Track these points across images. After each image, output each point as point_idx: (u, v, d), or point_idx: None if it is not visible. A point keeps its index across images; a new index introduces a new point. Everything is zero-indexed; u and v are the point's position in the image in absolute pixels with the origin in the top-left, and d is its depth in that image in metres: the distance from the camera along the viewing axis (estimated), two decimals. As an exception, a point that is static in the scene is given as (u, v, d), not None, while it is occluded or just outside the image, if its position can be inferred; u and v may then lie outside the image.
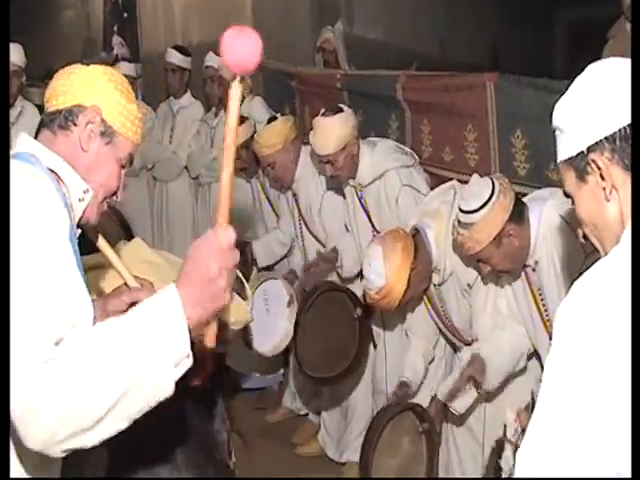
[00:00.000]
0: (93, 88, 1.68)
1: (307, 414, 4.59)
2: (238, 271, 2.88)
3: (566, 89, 1.37)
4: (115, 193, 1.74)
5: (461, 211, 2.64)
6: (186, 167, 5.36)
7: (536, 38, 10.25)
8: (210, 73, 5.12)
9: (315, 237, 4.11)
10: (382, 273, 2.89)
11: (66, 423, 1.25)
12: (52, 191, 1.52)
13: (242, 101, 4.93)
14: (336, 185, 3.83)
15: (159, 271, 2.58)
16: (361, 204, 3.67)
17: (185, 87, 5.49)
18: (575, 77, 1.36)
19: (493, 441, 3.02)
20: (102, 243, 1.93)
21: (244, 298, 2.77)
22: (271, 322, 3.67)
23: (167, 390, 1.33)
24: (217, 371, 1.89)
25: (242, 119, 4.42)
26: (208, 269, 1.32)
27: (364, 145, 3.58)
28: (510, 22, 9.50)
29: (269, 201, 4.53)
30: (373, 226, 3.66)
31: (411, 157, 3.63)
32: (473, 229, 2.60)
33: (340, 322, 3.53)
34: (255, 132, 4.23)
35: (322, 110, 3.53)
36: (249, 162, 4.34)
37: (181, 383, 1.41)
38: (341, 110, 3.49)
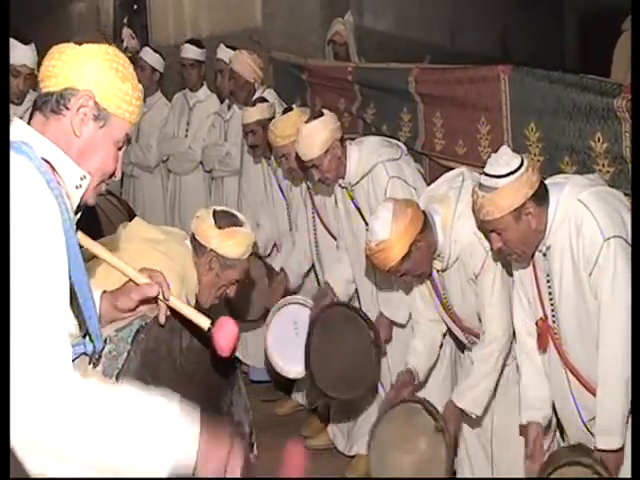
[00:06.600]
0: (85, 69, 1.61)
1: (316, 407, 4.59)
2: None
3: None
4: (113, 174, 1.69)
5: (486, 174, 2.60)
6: (200, 161, 5.36)
7: (547, 29, 10.17)
8: (221, 66, 5.10)
9: (328, 231, 4.08)
10: (387, 227, 2.92)
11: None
12: (41, 189, 1.47)
13: (253, 93, 4.82)
14: (325, 188, 3.84)
15: (161, 246, 2.60)
16: (353, 203, 3.68)
17: (201, 80, 5.48)
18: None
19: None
20: (98, 248, 1.87)
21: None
22: (300, 345, 3.66)
23: None
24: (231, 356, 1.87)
25: (263, 100, 4.42)
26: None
27: (351, 146, 3.61)
28: (520, 11, 9.44)
29: (280, 188, 4.51)
30: (367, 225, 3.66)
31: (397, 150, 3.65)
32: (496, 193, 2.54)
33: (353, 343, 3.50)
34: (275, 115, 4.18)
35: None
36: (262, 142, 4.31)
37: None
38: (322, 114, 3.54)
